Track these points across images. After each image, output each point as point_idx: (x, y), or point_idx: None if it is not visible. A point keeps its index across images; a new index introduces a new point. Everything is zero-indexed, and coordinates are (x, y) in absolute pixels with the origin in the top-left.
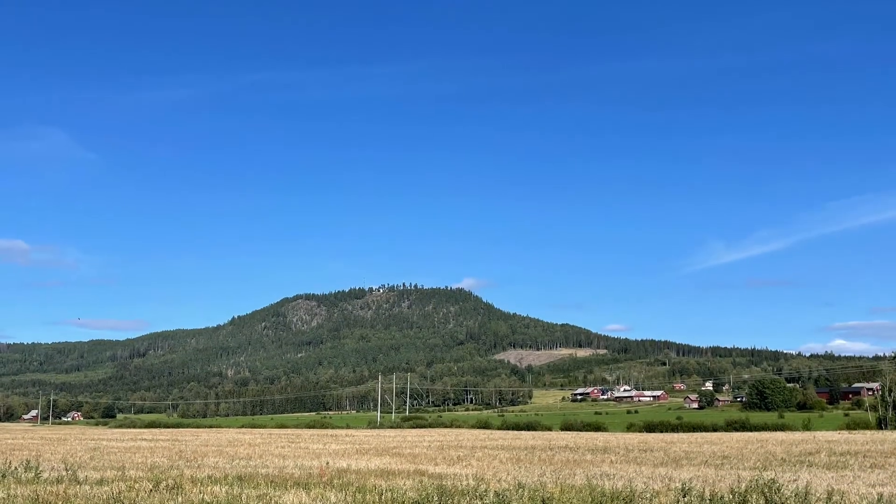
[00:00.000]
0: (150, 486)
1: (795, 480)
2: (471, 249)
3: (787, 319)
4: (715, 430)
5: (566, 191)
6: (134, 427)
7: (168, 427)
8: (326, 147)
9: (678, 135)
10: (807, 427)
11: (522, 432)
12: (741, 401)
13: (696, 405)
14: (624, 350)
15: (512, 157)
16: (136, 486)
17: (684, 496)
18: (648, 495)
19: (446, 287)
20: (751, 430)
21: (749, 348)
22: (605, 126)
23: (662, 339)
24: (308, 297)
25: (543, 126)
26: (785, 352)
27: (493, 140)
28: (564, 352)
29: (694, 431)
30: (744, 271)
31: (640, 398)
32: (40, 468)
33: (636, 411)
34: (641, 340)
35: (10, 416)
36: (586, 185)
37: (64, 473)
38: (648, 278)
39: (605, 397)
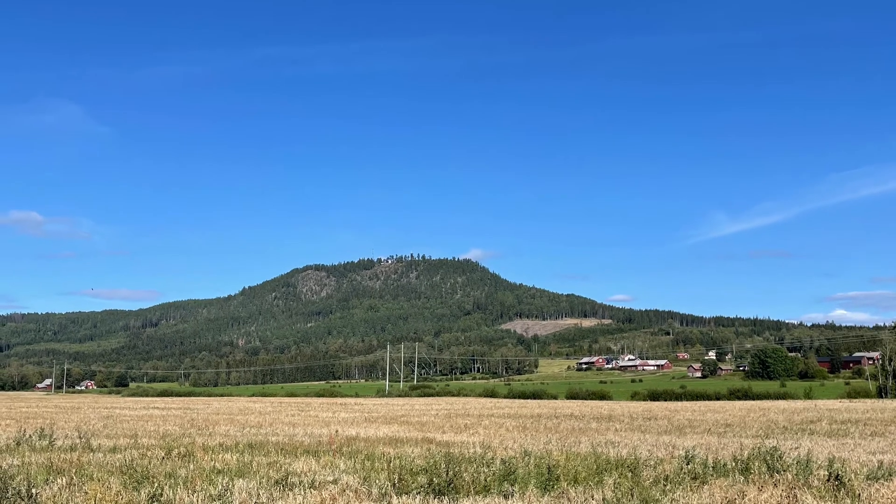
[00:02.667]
0: (163, 454)
1: (797, 448)
2: (478, 221)
3: (789, 290)
4: (718, 398)
5: (572, 163)
6: (146, 396)
7: (180, 396)
8: (335, 121)
9: (682, 109)
10: (808, 396)
11: (528, 401)
12: (744, 370)
13: (699, 374)
14: (628, 320)
15: (518, 131)
16: (149, 453)
17: (688, 463)
18: (652, 463)
19: (454, 258)
20: (753, 399)
21: (751, 318)
22: (609, 100)
23: (666, 310)
24: (318, 267)
25: (549, 101)
26: (787, 322)
27: (500, 114)
28: (570, 322)
29: (697, 400)
30: (746, 242)
31: (645, 367)
32: (54, 436)
33: (640, 380)
34: (646, 310)
35: (24, 384)
36: (591, 158)
37: (78, 441)
38: (653, 249)
39: (610, 366)
